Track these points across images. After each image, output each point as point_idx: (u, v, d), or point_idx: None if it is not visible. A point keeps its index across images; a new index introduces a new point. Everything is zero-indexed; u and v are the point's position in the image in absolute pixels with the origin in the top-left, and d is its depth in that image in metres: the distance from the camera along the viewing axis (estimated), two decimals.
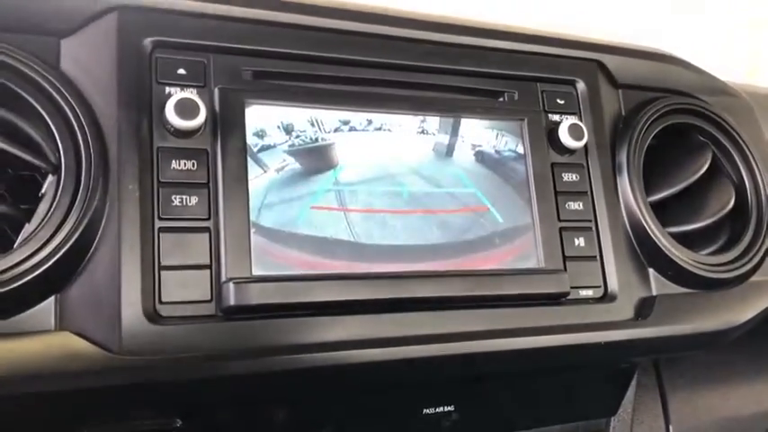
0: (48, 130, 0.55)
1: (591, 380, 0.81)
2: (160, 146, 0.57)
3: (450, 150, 0.68)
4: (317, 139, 0.63)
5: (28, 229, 0.53)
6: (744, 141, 0.82)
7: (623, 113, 0.79)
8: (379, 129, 0.65)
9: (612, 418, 0.85)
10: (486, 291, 0.64)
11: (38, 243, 0.52)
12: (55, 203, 0.53)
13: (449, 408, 0.71)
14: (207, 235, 0.57)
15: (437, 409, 0.71)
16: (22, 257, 0.51)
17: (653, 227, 0.74)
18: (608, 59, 0.78)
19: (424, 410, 0.70)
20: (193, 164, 0.57)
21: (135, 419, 0.59)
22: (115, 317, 0.52)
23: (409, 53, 0.68)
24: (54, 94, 0.55)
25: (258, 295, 0.56)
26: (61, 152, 0.54)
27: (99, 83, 0.56)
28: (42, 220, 0.53)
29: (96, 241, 0.54)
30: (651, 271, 0.75)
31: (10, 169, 0.57)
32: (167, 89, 0.58)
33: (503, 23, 0.76)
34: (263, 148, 0.60)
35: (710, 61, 0.88)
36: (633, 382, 0.85)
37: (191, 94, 0.57)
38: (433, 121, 0.68)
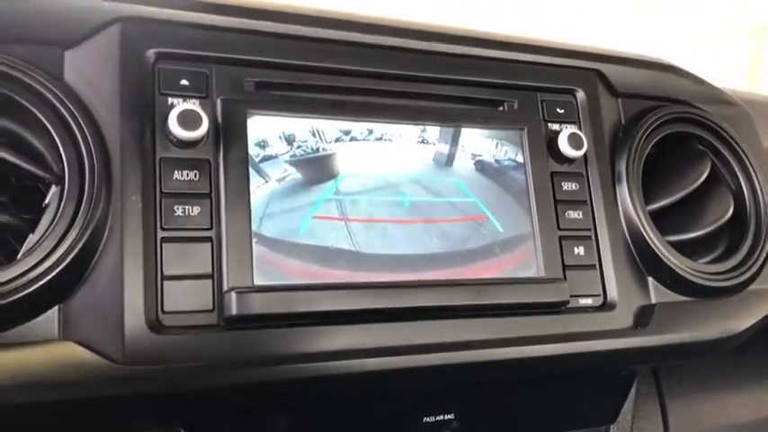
0: (51, 140, 0.55)
1: (590, 388, 0.82)
2: (163, 156, 0.57)
3: (450, 160, 0.68)
4: (318, 149, 0.63)
5: (32, 239, 0.54)
6: (742, 150, 0.83)
7: (623, 122, 0.79)
8: (380, 138, 0.66)
9: (612, 426, 0.85)
10: (487, 300, 0.64)
11: (42, 253, 0.52)
12: (58, 214, 0.54)
13: (449, 416, 0.71)
14: (209, 245, 0.57)
15: (437, 418, 0.71)
16: (26, 268, 0.51)
17: (652, 235, 0.74)
18: (607, 69, 0.79)
19: (425, 419, 0.70)
20: (196, 174, 0.58)
21: (138, 429, 0.59)
22: (118, 326, 0.53)
23: (409, 63, 0.68)
24: (58, 105, 0.55)
25: (260, 305, 0.56)
26: (65, 163, 0.55)
27: (102, 94, 0.57)
28: (46, 230, 0.53)
29: (99, 251, 0.54)
30: (650, 279, 0.75)
31: (13, 179, 0.57)
32: (170, 100, 0.58)
33: (503, 33, 0.76)
34: (265, 159, 0.60)
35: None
36: (632, 390, 0.86)
37: (193, 104, 0.58)
38: (433, 131, 0.68)
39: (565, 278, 0.69)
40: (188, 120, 0.56)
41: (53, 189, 0.55)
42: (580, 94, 0.76)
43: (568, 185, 0.72)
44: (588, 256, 0.71)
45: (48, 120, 0.55)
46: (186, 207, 0.57)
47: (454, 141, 0.69)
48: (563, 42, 0.79)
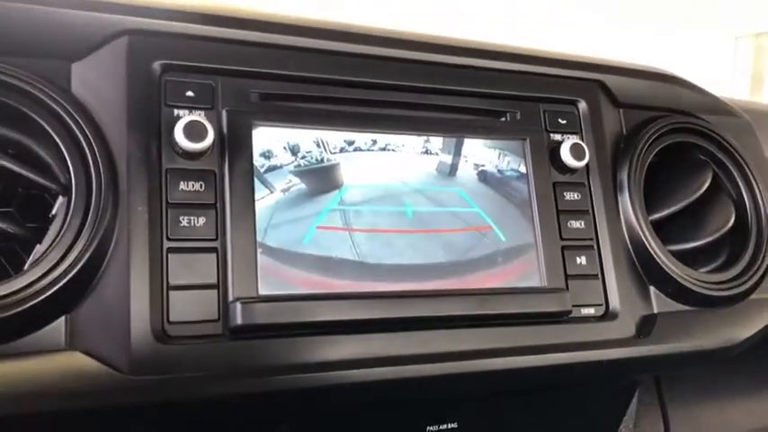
0: (58, 151, 0.56)
1: (592, 397, 0.82)
2: (169, 167, 0.58)
3: (453, 170, 0.69)
4: (322, 160, 0.63)
5: (39, 249, 0.54)
6: (744, 160, 0.83)
7: (624, 133, 0.80)
8: (384, 149, 0.66)
9: None
10: (490, 309, 0.65)
11: (49, 264, 0.53)
12: (65, 225, 0.54)
13: (452, 425, 0.72)
14: (214, 255, 0.58)
15: (440, 427, 0.71)
16: (33, 278, 0.52)
17: (654, 245, 0.75)
18: (609, 79, 0.79)
19: (428, 428, 0.71)
20: (201, 185, 0.58)
21: None
22: (124, 336, 0.53)
23: (413, 74, 0.69)
24: (65, 116, 0.55)
25: (264, 315, 0.57)
26: (72, 174, 0.55)
27: (109, 105, 0.57)
28: (53, 241, 0.54)
29: (106, 262, 0.55)
30: (652, 289, 0.76)
31: (20, 189, 0.58)
32: (176, 111, 0.59)
33: (505, 44, 0.77)
34: (270, 169, 0.61)
35: None
36: (634, 399, 0.86)
37: (199, 116, 0.58)
38: (436, 141, 0.68)
39: (567, 288, 0.69)
40: (194, 131, 0.57)
41: (60, 200, 0.56)
42: (582, 105, 0.76)
43: (571, 195, 0.73)
44: (590, 266, 0.71)
45: (55, 131, 0.55)
46: (192, 217, 0.57)
47: (457, 152, 0.69)
48: (565, 53, 0.80)
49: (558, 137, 0.74)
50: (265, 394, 0.57)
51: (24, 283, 0.52)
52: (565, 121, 0.75)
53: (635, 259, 0.75)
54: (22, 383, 0.51)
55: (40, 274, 0.52)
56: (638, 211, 0.75)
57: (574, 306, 0.69)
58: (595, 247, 0.72)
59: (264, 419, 0.64)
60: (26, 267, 0.54)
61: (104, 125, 0.57)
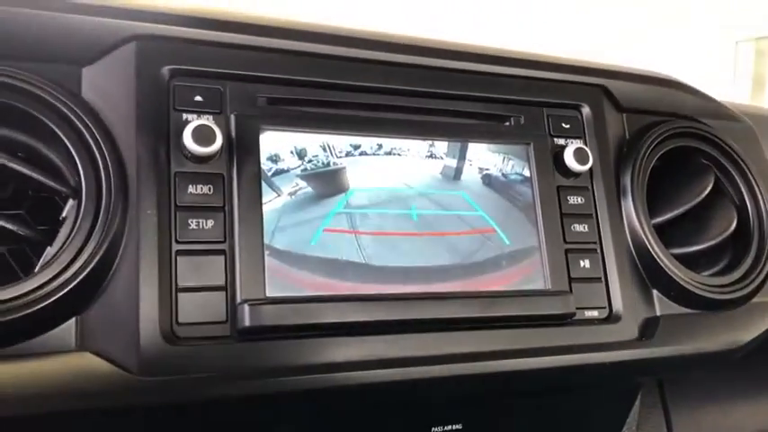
0: (69, 155, 0.56)
1: (595, 399, 0.82)
2: (177, 171, 0.58)
3: (457, 174, 0.69)
4: (328, 164, 0.64)
5: (49, 252, 0.55)
6: (746, 164, 0.84)
7: (627, 137, 0.80)
8: (389, 153, 0.67)
9: None
10: (494, 312, 0.65)
11: (59, 266, 0.53)
12: (76, 227, 0.55)
13: (456, 426, 0.72)
14: (222, 257, 0.58)
15: (445, 428, 0.72)
16: (44, 280, 0.52)
17: (656, 248, 0.75)
18: (612, 84, 0.80)
19: (432, 429, 0.71)
20: (210, 188, 0.59)
21: None
22: (134, 338, 0.54)
23: (418, 79, 0.70)
24: (75, 120, 0.56)
25: (272, 317, 0.57)
26: (82, 177, 0.56)
27: (118, 110, 0.58)
28: (63, 243, 0.54)
29: (116, 264, 0.55)
30: (655, 292, 0.76)
31: (30, 192, 0.59)
32: (185, 116, 0.60)
33: (509, 49, 0.77)
34: (277, 173, 0.62)
35: None
36: (637, 402, 0.86)
37: (207, 120, 0.59)
38: (441, 146, 0.69)
39: (571, 291, 0.70)
40: (202, 135, 0.57)
41: (70, 202, 0.56)
42: (585, 110, 0.77)
43: (574, 199, 0.73)
44: (594, 269, 0.72)
45: (65, 135, 0.56)
46: (200, 220, 0.58)
47: (462, 156, 0.70)
48: (568, 58, 0.81)
49: (561, 141, 0.74)
50: (273, 395, 0.57)
51: (35, 285, 0.52)
52: (568, 126, 0.75)
53: (638, 262, 0.75)
54: (34, 384, 0.51)
55: (50, 276, 0.53)
56: (641, 214, 0.75)
57: (577, 309, 0.69)
58: (599, 250, 0.73)
59: (271, 420, 0.64)
60: (37, 269, 0.54)
61: (114, 129, 0.57)
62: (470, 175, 0.70)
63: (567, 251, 0.71)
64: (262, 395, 0.57)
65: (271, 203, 0.61)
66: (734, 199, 0.84)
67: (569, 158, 0.72)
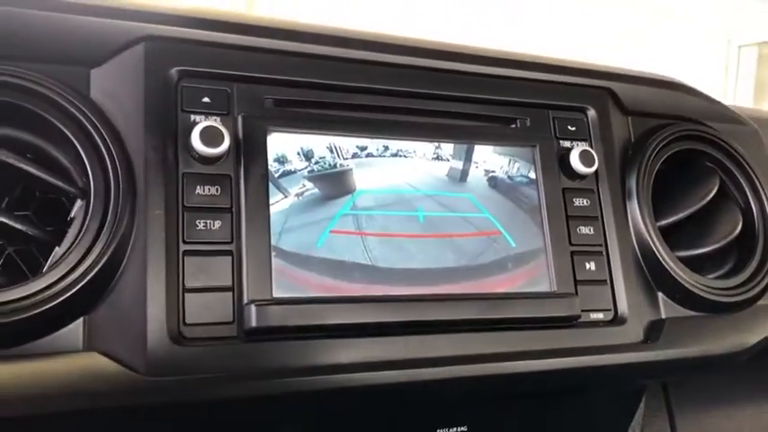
0: (77, 155, 0.57)
1: (600, 402, 0.82)
2: (185, 172, 0.59)
3: (463, 176, 0.70)
4: (335, 165, 0.64)
5: (58, 252, 0.55)
6: (751, 167, 0.84)
7: (632, 140, 0.80)
8: (396, 155, 0.67)
9: None
10: (500, 314, 0.65)
11: (67, 267, 0.53)
12: (84, 228, 0.55)
13: (462, 428, 0.72)
14: (229, 258, 0.58)
15: (450, 430, 0.72)
16: (52, 280, 0.53)
17: (662, 251, 0.75)
18: (618, 87, 0.80)
19: (438, 431, 0.72)
20: (217, 189, 0.59)
21: None
22: (141, 338, 0.54)
23: (424, 81, 0.70)
24: (84, 121, 0.56)
25: (278, 317, 0.57)
26: (90, 178, 0.56)
27: (127, 111, 0.58)
28: (72, 244, 0.55)
29: (123, 264, 0.55)
30: (660, 294, 0.76)
31: (38, 192, 0.59)
32: (192, 117, 0.60)
33: (516, 52, 0.78)
34: (284, 174, 0.62)
35: None
36: (642, 405, 0.86)
37: (215, 122, 0.59)
38: (447, 148, 0.69)
39: (576, 293, 0.70)
40: (210, 136, 0.57)
41: (78, 203, 0.56)
42: (591, 112, 0.77)
43: (580, 201, 0.73)
44: (599, 272, 0.72)
45: (74, 135, 0.56)
46: (208, 221, 0.58)
47: (468, 158, 0.70)
48: (574, 61, 0.81)
49: (567, 144, 0.75)
50: (279, 396, 0.57)
51: (43, 285, 0.52)
52: (574, 128, 0.76)
53: (643, 265, 0.75)
54: (41, 384, 0.52)
55: (58, 277, 0.53)
56: (647, 217, 0.75)
57: (583, 311, 0.69)
58: (604, 252, 0.73)
59: (277, 421, 0.64)
60: (45, 270, 0.54)
61: (122, 130, 0.58)
62: (476, 177, 0.70)
63: (572, 253, 0.71)
64: (268, 396, 0.57)
65: (278, 204, 0.61)
66: (739, 202, 0.84)
67: (575, 161, 0.72)
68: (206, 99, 0.61)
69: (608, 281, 0.72)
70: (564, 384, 0.71)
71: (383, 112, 0.68)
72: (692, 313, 0.77)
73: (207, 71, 0.61)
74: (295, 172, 0.62)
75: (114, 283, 0.55)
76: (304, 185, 0.62)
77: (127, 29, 0.60)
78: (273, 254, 0.59)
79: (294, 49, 0.65)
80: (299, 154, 0.63)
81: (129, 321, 0.54)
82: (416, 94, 0.70)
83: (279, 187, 0.61)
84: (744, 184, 0.84)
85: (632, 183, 0.76)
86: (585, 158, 0.72)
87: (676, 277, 0.75)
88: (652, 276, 0.75)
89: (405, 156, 0.68)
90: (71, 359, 0.53)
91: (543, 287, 0.69)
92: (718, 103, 0.89)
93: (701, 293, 0.76)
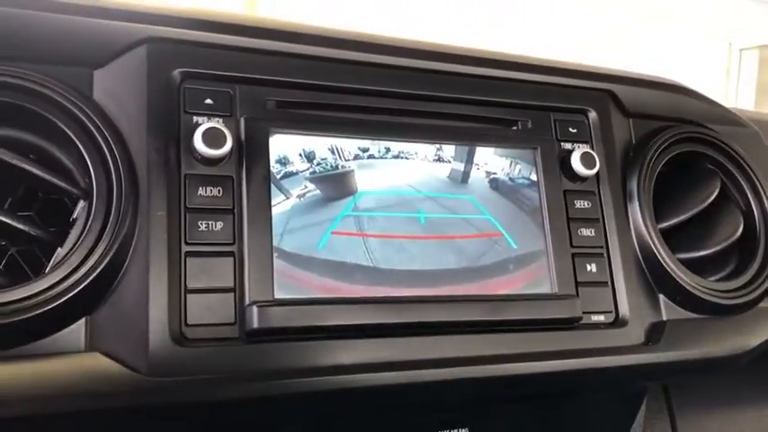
0: (80, 156, 0.57)
1: (601, 404, 0.82)
2: (188, 173, 0.59)
3: (465, 177, 0.70)
4: (337, 167, 0.64)
5: (60, 253, 0.55)
6: (752, 169, 0.84)
7: (634, 142, 0.80)
8: (397, 156, 0.67)
9: None
10: (501, 316, 0.65)
11: (70, 267, 0.53)
12: (86, 228, 0.55)
13: (463, 430, 0.72)
14: (231, 259, 0.58)
15: (451, 431, 0.72)
16: (54, 281, 0.53)
17: (663, 253, 0.75)
18: (619, 89, 0.80)
19: None
20: (219, 190, 0.59)
21: None
22: (143, 338, 0.54)
23: (426, 83, 0.70)
24: (87, 122, 0.56)
25: (280, 318, 0.58)
26: (93, 179, 0.56)
27: (129, 112, 0.58)
28: (74, 244, 0.55)
29: (126, 265, 0.56)
30: (661, 296, 0.76)
31: (40, 193, 0.59)
32: (195, 118, 0.60)
33: (517, 54, 0.78)
34: (286, 176, 0.62)
35: None
36: (643, 407, 0.86)
37: (217, 123, 0.59)
38: (449, 149, 0.69)
39: (577, 295, 0.70)
40: (212, 138, 0.57)
41: (81, 204, 0.57)
42: (592, 115, 0.77)
43: (581, 203, 0.73)
44: (600, 274, 0.72)
45: (77, 137, 0.56)
46: (210, 222, 0.58)
47: (469, 160, 0.70)
48: (576, 63, 0.81)
49: (568, 146, 0.75)
50: (280, 397, 0.57)
51: (45, 286, 0.53)
52: (575, 131, 0.76)
53: (644, 267, 0.75)
54: (43, 384, 0.52)
55: (61, 277, 0.53)
56: (648, 219, 0.76)
57: (584, 313, 0.69)
58: (605, 254, 0.73)
59: (279, 421, 0.64)
60: (47, 270, 0.55)
61: (125, 131, 0.58)
62: (478, 178, 0.70)
63: (573, 255, 0.71)
64: (270, 396, 0.57)
65: (279, 206, 0.61)
66: (740, 204, 0.84)
67: (576, 163, 0.72)
68: (208, 100, 0.61)
69: (609, 283, 0.72)
70: (565, 386, 0.71)
71: (385, 114, 0.68)
72: (694, 315, 0.77)
73: (209, 73, 0.61)
74: (297, 173, 0.62)
75: (116, 283, 0.55)
76: (306, 187, 0.63)
77: (130, 30, 0.60)
78: (275, 255, 0.59)
79: (297, 51, 0.65)
80: (300, 155, 0.63)
81: (130, 322, 0.55)
82: (417, 96, 0.70)
83: (281, 188, 0.61)
84: (745, 187, 0.84)
85: (633, 185, 0.76)
86: (587, 160, 0.72)
87: (677, 279, 0.75)
88: (653, 278, 0.76)
89: (406, 157, 0.68)
90: (73, 359, 0.53)
91: (544, 289, 0.69)
92: (719, 105, 0.89)
93: (703, 295, 0.76)
